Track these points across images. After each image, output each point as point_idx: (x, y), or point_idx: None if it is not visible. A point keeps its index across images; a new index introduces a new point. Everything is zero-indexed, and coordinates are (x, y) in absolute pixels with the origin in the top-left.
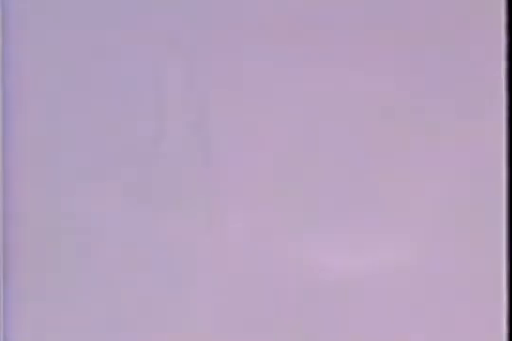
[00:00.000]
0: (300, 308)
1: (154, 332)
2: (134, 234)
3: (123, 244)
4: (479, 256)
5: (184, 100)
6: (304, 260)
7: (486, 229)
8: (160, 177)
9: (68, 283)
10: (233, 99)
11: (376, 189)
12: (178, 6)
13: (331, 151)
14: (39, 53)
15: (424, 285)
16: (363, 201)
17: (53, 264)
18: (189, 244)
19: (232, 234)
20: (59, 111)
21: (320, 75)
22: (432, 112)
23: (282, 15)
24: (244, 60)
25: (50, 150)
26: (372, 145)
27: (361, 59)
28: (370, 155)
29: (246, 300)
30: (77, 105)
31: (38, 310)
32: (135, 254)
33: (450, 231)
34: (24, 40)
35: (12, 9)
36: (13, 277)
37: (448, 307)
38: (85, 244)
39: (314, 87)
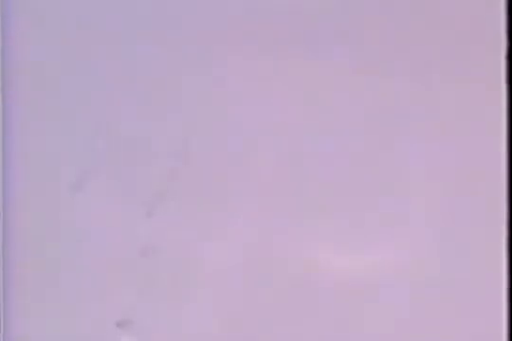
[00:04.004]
0: (299, 308)
1: (155, 333)
2: (135, 234)
3: (124, 245)
4: (479, 256)
5: (185, 102)
6: (304, 260)
7: (487, 229)
8: (161, 178)
9: (68, 284)
10: (233, 101)
11: (377, 190)
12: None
13: (331, 151)
14: (39, 53)
15: (424, 285)
16: (363, 201)
17: (53, 265)
18: (189, 246)
19: (231, 234)
20: (58, 111)
21: (319, 75)
22: (432, 112)
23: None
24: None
25: (50, 149)
26: (372, 145)
27: (361, 59)
28: (370, 156)
29: (245, 300)
30: (76, 105)
31: (38, 309)
32: (135, 254)
33: (450, 231)
34: (24, 40)
35: (12, 10)
36: (14, 277)
37: (447, 307)
38: (85, 245)
39: (313, 88)
